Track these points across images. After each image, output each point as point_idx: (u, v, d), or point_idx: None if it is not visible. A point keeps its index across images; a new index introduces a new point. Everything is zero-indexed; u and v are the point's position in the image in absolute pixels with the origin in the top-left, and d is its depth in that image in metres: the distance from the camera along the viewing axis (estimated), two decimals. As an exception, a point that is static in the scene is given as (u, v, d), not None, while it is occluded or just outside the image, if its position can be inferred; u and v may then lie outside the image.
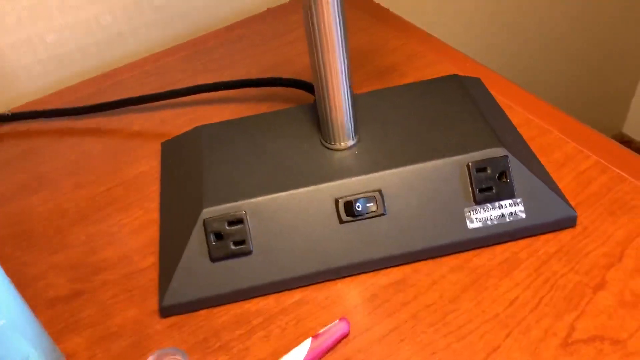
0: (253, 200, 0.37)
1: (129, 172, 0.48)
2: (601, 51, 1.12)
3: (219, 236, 0.37)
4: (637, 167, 0.42)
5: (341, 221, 0.37)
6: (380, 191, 0.37)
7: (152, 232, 0.43)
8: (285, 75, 0.52)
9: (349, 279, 0.38)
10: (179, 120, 0.53)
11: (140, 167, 0.49)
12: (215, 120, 0.50)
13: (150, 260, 0.41)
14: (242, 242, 0.37)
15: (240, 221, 0.37)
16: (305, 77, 0.51)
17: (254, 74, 0.56)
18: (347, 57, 0.36)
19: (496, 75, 0.52)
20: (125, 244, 0.42)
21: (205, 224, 0.36)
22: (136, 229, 0.43)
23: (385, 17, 0.62)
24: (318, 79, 0.37)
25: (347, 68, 0.37)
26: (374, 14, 0.63)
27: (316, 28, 0.35)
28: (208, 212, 0.37)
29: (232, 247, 0.36)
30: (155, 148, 0.50)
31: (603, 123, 1.31)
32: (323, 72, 0.37)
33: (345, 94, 0.38)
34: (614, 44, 1.13)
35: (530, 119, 0.47)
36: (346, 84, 0.37)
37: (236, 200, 0.37)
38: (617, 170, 0.42)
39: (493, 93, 0.49)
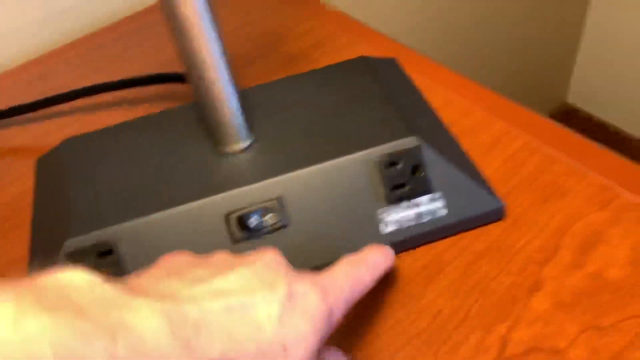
0: (126, 224, 0.31)
1: (4, 195, 0.42)
2: (538, 21, 1.09)
3: (87, 271, 0.30)
4: (570, 144, 0.38)
5: (235, 240, 0.32)
6: (280, 199, 0.32)
7: (25, 268, 0.36)
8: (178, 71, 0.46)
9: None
10: (65, 130, 0.46)
11: (18, 187, 0.42)
12: (101, 127, 0.44)
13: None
14: (114, 276, 0.30)
15: (110, 251, 0.31)
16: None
17: (151, 71, 0.50)
18: (221, 43, 0.31)
19: (415, 54, 0.47)
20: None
21: (70, 257, 0.30)
22: (12, 260, 0.37)
23: (296, -2, 0.57)
24: (191, 73, 0.31)
25: (225, 56, 0.31)
26: (283, -4, 0.57)
27: (176, 12, 0.29)
28: (72, 243, 0.31)
29: (104, 282, 0.30)
30: (33, 164, 0.43)
31: (547, 94, 1.29)
32: (195, 64, 0.31)
33: (228, 89, 0.32)
34: (550, 13, 1.10)
35: (452, 99, 0.42)
36: (227, 76, 0.32)
37: (106, 226, 0.31)
38: (549, 150, 0.38)
39: (412, 74, 0.44)
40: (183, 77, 0.44)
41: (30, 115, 0.48)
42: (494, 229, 0.34)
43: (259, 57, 0.49)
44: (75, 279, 0.19)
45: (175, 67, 0.49)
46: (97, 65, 0.52)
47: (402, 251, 0.33)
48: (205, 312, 0.20)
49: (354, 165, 0.32)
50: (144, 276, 0.23)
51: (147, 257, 0.31)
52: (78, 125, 0.46)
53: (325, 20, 0.53)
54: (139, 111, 0.46)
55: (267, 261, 0.23)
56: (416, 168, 0.33)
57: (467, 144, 0.39)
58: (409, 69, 0.44)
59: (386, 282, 0.32)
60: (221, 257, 0.25)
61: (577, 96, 1.32)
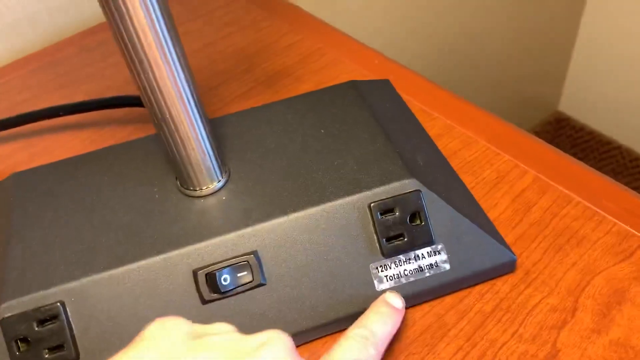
0: (74, 283, 0.26)
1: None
2: (531, 30, 1.05)
3: (26, 341, 0.26)
4: (585, 181, 0.34)
5: (204, 301, 0.27)
6: (255, 253, 0.27)
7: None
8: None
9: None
10: (15, 157, 0.41)
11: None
12: (60, 153, 0.39)
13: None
14: (60, 347, 0.26)
15: (55, 316, 0.26)
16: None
17: (118, 87, 0.45)
18: (186, 69, 0.26)
19: (409, 74, 0.43)
20: None
21: (2, 326, 0.25)
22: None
23: (276, 7, 0.52)
24: (150, 107, 0.27)
25: (191, 85, 0.26)
26: (262, 4, 0.52)
27: (126, 29, 0.24)
28: (8, 307, 0.26)
29: (47, 355, 0.26)
30: (-20, 199, 0.38)
31: (538, 103, 1.26)
32: (154, 99, 0.26)
33: (196, 126, 0.27)
34: (543, 22, 1.07)
35: (451, 126, 0.38)
36: (194, 110, 0.27)
37: (50, 286, 0.26)
38: (561, 189, 0.33)
39: (405, 97, 0.40)
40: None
41: (-21, 138, 0.42)
42: (502, 285, 0.30)
43: (234, 76, 0.45)
44: None
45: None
46: (55, 83, 0.47)
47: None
48: None
49: (343, 213, 0.28)
50: None
51: (100, 325, 0.26)
52: (32, 151, 0.41)
53: (310, 32, 0.48)
54: (104, 135, 0.41)
55: (276, 351, 0.20)
56: (415, 215, 0.28)
57: (469, 181, 0.34)
58: (402, 91, 0.40)
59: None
60: (223, 331, 0.21)
61: (569, 104, 1.29)
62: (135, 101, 0.39)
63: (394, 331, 0.26)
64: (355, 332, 0.24)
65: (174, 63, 0.25)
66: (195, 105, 0.27)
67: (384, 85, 0.37)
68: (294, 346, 0.21)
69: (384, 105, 0.34)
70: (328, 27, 0.49)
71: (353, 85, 0.35)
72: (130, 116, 0.42)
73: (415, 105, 0.39)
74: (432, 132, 0.37)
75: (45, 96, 0.46)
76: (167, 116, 0.26)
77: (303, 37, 0.48)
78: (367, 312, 0.26)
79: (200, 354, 0.19)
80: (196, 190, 0.30)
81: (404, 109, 0.36)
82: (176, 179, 0.30)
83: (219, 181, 0.30)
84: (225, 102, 0.42)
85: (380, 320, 0.25)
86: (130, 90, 0.44)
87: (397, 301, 0.27)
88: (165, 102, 0.26)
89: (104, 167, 0.32)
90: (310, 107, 0.33)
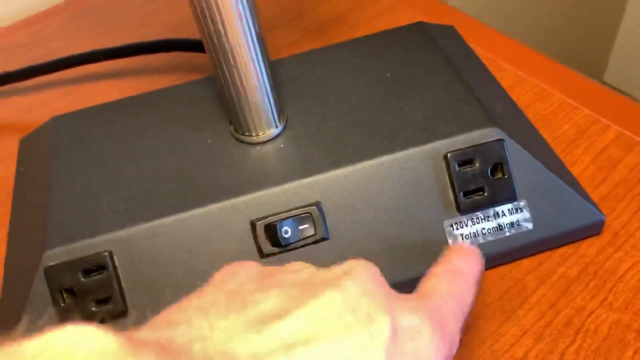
0: (122, 232, 0.24)
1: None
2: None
3: (72, 292, 0.24)
4: (676, 138, 0.30)
5: (262, 255, 0.25)
6: (318, 205, 0.25)
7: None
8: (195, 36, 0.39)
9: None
10: (53, 105, 0.39)
11: (-3, 172, 0.35)
12: (98, 102, 0.37)
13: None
14: (107, 300, 0.24)
15: (102, 267, 0.24)
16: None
17: (157, 35, 0.42)
18: (252, 4, 0.23)
19: (474, 22, 0.39)
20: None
21: (47, 275, 0.23)
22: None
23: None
24: (209, 42, 0.24)
25: (256, 21, 0.24)
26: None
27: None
28: (52, 256, 0.24)
29: (94, 308, 0.24)
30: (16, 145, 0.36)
31: (583, 71, 1.20)
32: (215, 32, 0.23)
33: (257, 63, 0.25)
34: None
35: (523, 78, 0.35)
36: (256, 46, 0.24)
37: (96, 235, 0.24)
38: (650, 145, 0.30)
39: (471, 45, 0.36)
40: (200, 45, 0.36)
41: (15, 85, 0.40)
42: (588, 248, 0.27)
43: (282, 24, 0.41)
44: (78, 348, 0.12)
45: (188, 32, 0.42)
46: (94, 30, 0.45)
47: (472, 274, 0.26)
48: None
49: (415, 163, 0.25)
50: (188, 306, 0.16)
51: (150, 277, 0.24)
52: (69, 99, 0.39)
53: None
54: (144, 84, 0.39)
55: (361, 280, 0.16)
56: (496, 168, 0.25)
57: (545, 136, 0.31)
58: (468, 40, 0.36)
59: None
60: (298, 269, 0.18)
61: (613, 75, 1.24)
62: (183, 45, 0.36)
63: (480, 270, 0.21)
64: (439, 269, 0.21)
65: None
66: (259, 44, 0.24)
67: (450, 31, 0.34)
68: (380, 275, 0.17)
69: (455, 51, 0.31)
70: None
71: (421, 26, 0.31)
72: (172, 64, 0.40)
73: (482, 54, 0.36)
74: (502, 84, 0.34)
75: (80, 43, 0.43)
76: (229, 54, 0.24)
77: (355, -17, 0.44)
78: (444, 256, 0.22)
79: (272, 290, 0.16)
80: (252, 137, 0.27)
81: (473, 57, 0.33)
82: (230, 124, 0.28)
83: (277, 127, 0.27)
84: (272, 52, 0.39)
85: (463, 258, 0.21)
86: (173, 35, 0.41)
87: (472, 247, 0.23)
88: (228, 39, 0.23)
89: (150, 111, 0.29)
90: (374, 50, 0.30)
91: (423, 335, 0.16)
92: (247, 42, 0.24)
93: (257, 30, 0.24)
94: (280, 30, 0.41)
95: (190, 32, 0.42)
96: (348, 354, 0.14)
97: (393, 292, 0.17)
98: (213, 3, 0.22)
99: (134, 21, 0.45)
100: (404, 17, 0.40)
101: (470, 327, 0.25)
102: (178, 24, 0.44)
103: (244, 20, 0.23)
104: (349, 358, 0.14)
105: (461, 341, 0.18)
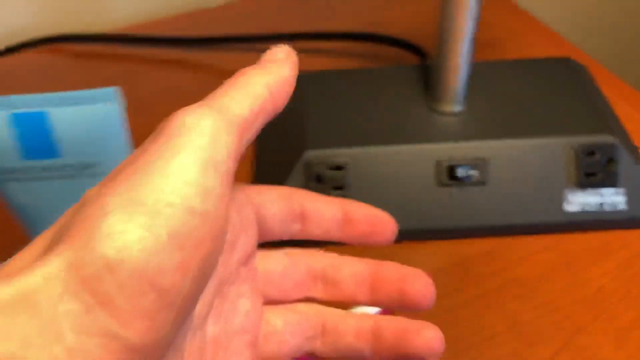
0: (355, 149, 0.37)
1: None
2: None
3: (318, 179, 0.37)
4: None
5: (441, 184, 0.37)
6: (484, 159, 0.37)
7: (246, 168, 0.43)
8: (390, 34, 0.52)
9: (437, 242, 0.38)
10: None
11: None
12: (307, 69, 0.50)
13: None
14: (340, 188, 0.37)
15: (341, 167, 0.37)
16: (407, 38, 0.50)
17: (351, 30, 0.56)
18: (475, 20, 0.36)
19: (599, 66, 0.51)
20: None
21: (307, 165, 0.37)
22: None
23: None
24: (444, 34, 0.37)
25: (473, 32, 0.37)
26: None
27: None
28: (311, 154, 0.37)
29: (330, 191, 0.37)
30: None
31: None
32: (451, 29, 0.36)
33: (465, 57, 0.38)
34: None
35: (631, 114, 0.46)
36: (469, 47, 0.37)
37: (339, 147, 0.37)
38: None
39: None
40: (396, 41, 0.49)
41: (246, 46, 0.55)
42: (661, 232, 0.38)
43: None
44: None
45: (377, 30, 0.55)
46: (300, 16, 0.59)
47: (577, 231, 0.38)
48: None
49: (555, 147, 0.37)
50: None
51: (367, 180, 0.37)
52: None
53: (508, 15, 0.57)
54: (334, 63, 0.52)
55: None
56: (609, 162, 0.37)
57: (643, 156, 0.43)
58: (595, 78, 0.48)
59: (557, 255, 0.37)
60: None
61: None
62: (384, 39, 0.50)
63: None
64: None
65: (474, 10, 0.35)
66: (471, 44, 0.37)
67: (585, 69, 0.46)
68: None
69: (587, 82, 0.43)
70: (527, 15, 0.58)
71: (568, 61, 0.44)
72: (357, 52, 0.53)
73: (604, 91, 0.48)
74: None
75: (290, 25, 0.58)
76: (453, 46, 0.37)
77: (504, 18, 0.57)
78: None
79: None
80: (443, 109, 0.40)
81: (599, 90, 0.45)
82: (424, 101, 0.41)
83: (460, 105, 0.40)
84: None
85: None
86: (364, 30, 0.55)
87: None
88: (457, 37, 0.36)
89: (369, 81, 0.43)
90: (532, 69, 0.43)
91: None
92: (466, 44, 0.37)
93: (474, 40, 0.37)
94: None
95: (379, 31, 0.55)
96: None
97: None
98: (455, 19, 0.35)
99: (335, 15, 0.59)
100: (543, 53, 0.52)
101: (565, 263, 0.36)
102: (370, 23, 0.57)
103: (469, 32, 0.36)
104: None
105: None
